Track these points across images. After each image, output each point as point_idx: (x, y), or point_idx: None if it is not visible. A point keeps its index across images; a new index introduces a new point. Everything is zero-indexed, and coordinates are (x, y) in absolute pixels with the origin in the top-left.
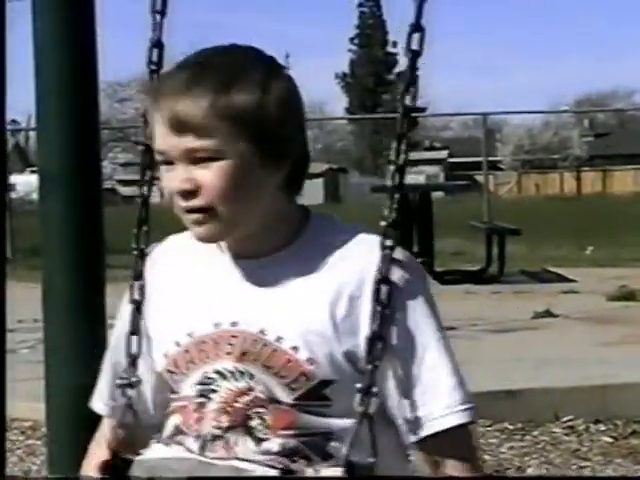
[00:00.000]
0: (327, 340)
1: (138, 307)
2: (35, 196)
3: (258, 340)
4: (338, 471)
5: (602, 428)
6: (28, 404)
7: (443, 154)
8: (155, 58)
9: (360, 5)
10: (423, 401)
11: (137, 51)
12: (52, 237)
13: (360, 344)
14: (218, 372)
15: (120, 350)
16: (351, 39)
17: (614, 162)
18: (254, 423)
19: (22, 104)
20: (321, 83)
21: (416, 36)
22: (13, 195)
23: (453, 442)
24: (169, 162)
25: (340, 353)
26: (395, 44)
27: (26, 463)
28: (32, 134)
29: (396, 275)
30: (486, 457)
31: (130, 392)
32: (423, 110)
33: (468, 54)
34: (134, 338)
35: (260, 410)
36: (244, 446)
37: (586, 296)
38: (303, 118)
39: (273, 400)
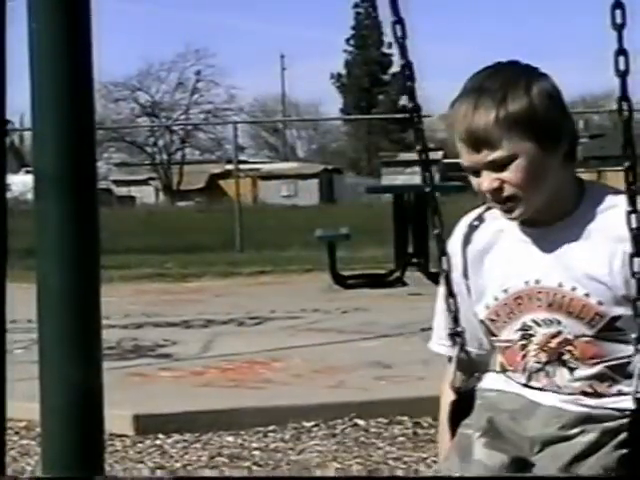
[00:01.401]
0: (609, 286)
1: (447, 275)
2: (30, 196)
3: (558, 292)
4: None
5: None
6: (22, 404)
7: (438, 155)
8: (399, 33)
9: (356, 6)
10: None
11: (132, 51)
12: (47, 237)
13: (632, 289)
14: (534, 320)
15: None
16: (347, 40)
17: (609, 163)
18: (566, 357)
19: (15, 104)
20: (316, 84)
21: (618, 12)
22: (8, 195)
23: None
24: (475, 171)
25: (620, 295)
26: (390, 45)
27: (20, 463)
28: (27, 134)
29: None
30: None
31: (458, 339)
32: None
33: (463, 54)
34: (451, 300)
35: (569, 347)
36: (561, 376)
37: None
38: (565, 104)
39: (579, 336)
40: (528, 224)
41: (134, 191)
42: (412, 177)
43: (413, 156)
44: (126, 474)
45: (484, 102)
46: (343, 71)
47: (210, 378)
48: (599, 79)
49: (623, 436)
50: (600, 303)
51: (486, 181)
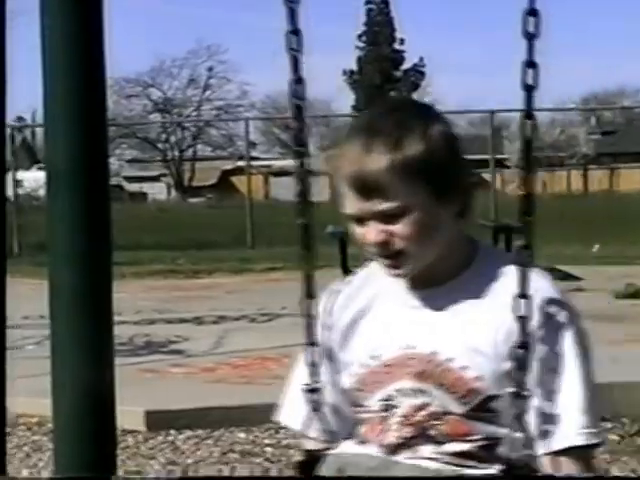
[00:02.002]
0: (490, 360)
1: (311, 322)
2: (42, 192)
3: (431, 360)
4: (498, 470)
5: (608, 426)
6: (34, 400)
7: None
8: (295, 45)
9: (368, 2)
10: (559, 419)
11: (144, 47)
12: (58, 233)
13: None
14: (399, 390)
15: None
16: (358, 36)
17: (621, 160)
18: (433, 432)
19: (27, 100)
20: (328, 80)
21: (531, 20)
22: (20, 191)
23: (579, 460)
24: (360, 219)
25: (500, 371)
26: (402, 41)
27: (32, 459)
28: (39, 130)
29: (547, 308)
30: None
31: (314, 396)
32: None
33: (474, 51)
34: (312, 349)
35: (437, 422)
36: (427, 450)
37: (593, 294)
38: (462, 153)
39: (448, 412)
40: (410, 286)
41: (146, 187)
42: None
43: None
44: (139, 470)
45: (377, 145)
46: (355, 67)
47: (221, 374)
48: (611, 76)
49: None
50: (478, 379)
51: (373, 232)
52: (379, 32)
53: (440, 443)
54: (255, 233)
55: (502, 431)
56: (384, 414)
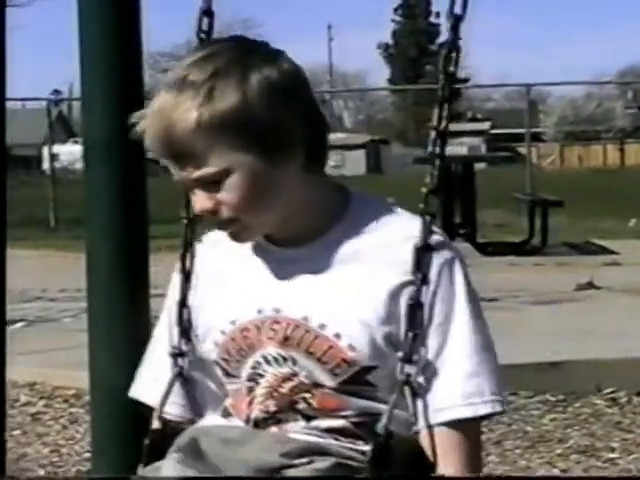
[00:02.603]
0: (368, 327)
1: (187, 277)
2: (78, 166)
3: (301, 326)
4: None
5: None
6: (71, 372)
7: (485, 125)
8: (205, 27)
9: None
10: (440, 389)
11: (180, 21)
12: (96, 206)
13: (400, 328)
14: (264, 357)
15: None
16: (394, 9)
17: None
18: (301, 407)
19: (64, 74)
20: (364, 54)
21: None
22: (57, 165)
23: (460, 434)
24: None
25: (381, 338)
26: (438, 15)
27: (69, 431)
28: (75, 104)
29: (433, 266)
30: (528, 429)
31: (181, 361)
32: (466, 81)
33: (511, 25)
34: (185, 309)
35: (305, 395)
36: (294, 424)
37: (629, 268)
38: (301, 100)
39: (317, 385)
40: (272, 241)
41: None
42: (459, 148)
43: (460, 126)
44: None
45: (183, 101)
46: (390, 41)
47: None
48: None
49: (360, 475)
50: (351, 348)
51: (198, 201)
52: (415, 5)
53: (310, 418)
54: None
55: (379, 406)
56: (249, 384)
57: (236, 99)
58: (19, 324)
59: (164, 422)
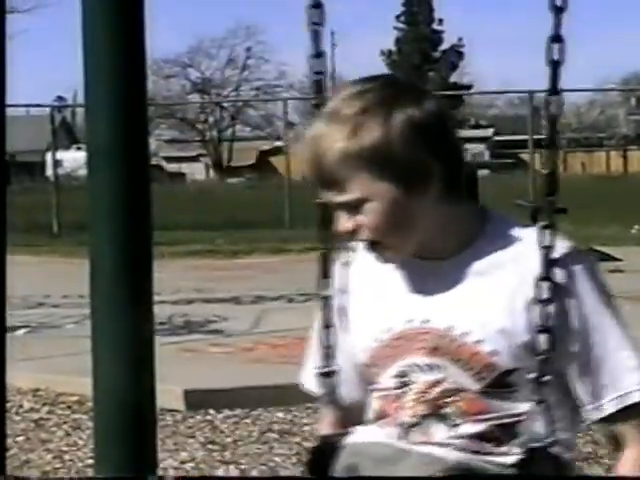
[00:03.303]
0: (507, 333)
1: (327, 301)
2: (81, 172)
3: (446, 335)
4: (517, 456)
5: None
6: (74, 378)
7: (489, 132)
8: (317, 19)
9: None
10: (611, 380)
11: (183, 28)
12: (99, 212)
13: (538, 334)
14: (413, 365)
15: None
16: (397, 16)
17: None
18: (447, 410)
19: (68, 80)
20: (366, 60)
21: (556, 46)
22: (60, 171)
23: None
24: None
25: (519, 344)
26: (441, 21)
27: (72, 437)
28: (79, 110)
29: (565, 271)
30: None
31: (328, 379)
32: (469, 88)
33: (515, 31)
34: (327, 331)
35: (452, 399)
36: (439, 432)
37: (632, 275)
38: (440, 139)
39: (463, 389)
40: (419, 260)
41: (184, 167)
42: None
43: (463, 133)
44: (178, 448)
45: (333, 133)
46: (393, 48)
47: (260, 354)
48: None
49: None
50: (493, 353)
51: (341, 221)
52: (418, 12)
53: (454, 424)
54: (293, 213)
55: (521, 407)
56: (399, 391)
57: (379, 136)
58: (22, 330)
59: (324, 440)
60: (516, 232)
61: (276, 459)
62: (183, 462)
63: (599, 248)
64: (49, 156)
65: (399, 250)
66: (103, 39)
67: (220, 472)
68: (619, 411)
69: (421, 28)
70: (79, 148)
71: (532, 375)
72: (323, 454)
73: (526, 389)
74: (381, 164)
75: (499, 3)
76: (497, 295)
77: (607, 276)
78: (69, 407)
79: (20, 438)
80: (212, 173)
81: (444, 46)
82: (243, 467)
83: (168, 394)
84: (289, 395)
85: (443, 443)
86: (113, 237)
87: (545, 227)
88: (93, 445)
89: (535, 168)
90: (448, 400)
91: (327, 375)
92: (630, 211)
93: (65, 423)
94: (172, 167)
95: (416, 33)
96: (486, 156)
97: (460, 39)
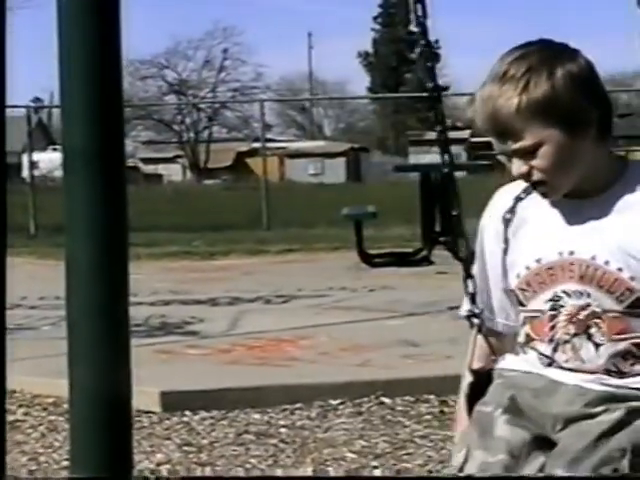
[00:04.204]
0: None
1: (472, 255)
2: (57, 173)
3: (591, 265)
4: None
5: None
6: (50, 380)
7: (466, 134)
8: (420, 12)
9: None
10: None
11: (159, 29)
12: (75, 213)
13: None
14: (564, 292)
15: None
16: (374, 18)
17: (637, 143)
18: (593, 330)
19: (45, 82)
20: (343, 62)
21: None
22: (36, 173)
23: None
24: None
25: None
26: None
27: (48, 439)
28: (55, 111)
29: None
30: None
31: (476, 320)
32: (446, 89)
33: (492, 32)
34: (470, 281)
35: (597, 320)
36: (587, 350)
37: None
38: (596, 84)
39: (607, 311)
40: (565, 196)
41: (161, 169)
42: (440, 156)
43: (440, 135)
44: (154, 450)
45: (505, 91)
46: (370, 49)
47: (237, 356)
48: (628, 58)
49: None
50: (632, 278)
51: (515, 167)
52: (395, 14)
53: (599, 344)
54: (271, 215)
55: None
56: (553, 312)
57: (547, 89)
58: None
59: (475, 372)
60: None
61: (252, 461)
62: (159, 464)
63: None
64: (25, 157)
65: (560, 188)
66: (79, 40)
67: (197, 474)
68: None
69: (398, 30)
70: (55, 149)
71: None
72: (479, 385)
73: None
74: (551, 113)
75: (476, 5)
76: (633, 230)
77: None
78: (45, 409)
79: None
80: (189, 174)
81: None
82: (219, 469)
83: (144, 395)
84: (266, 397)
85: (587, 363)
86: (89, 239)
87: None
88: (69, 447)
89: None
90: (594, 321)
91: (474, 316)
92: None
93: (41, 425)
94: (149, 168)
95: (393, 35)
96: (463, 158)
97: (437, 41)
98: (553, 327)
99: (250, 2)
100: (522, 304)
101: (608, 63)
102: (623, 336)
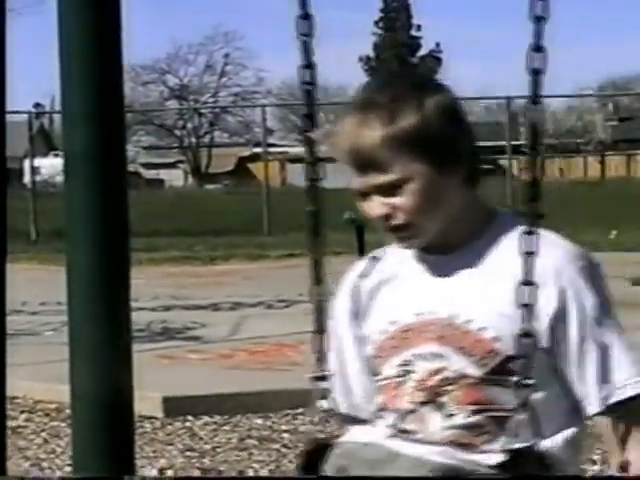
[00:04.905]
0: (510, 319)
1: (321, 309)
2: (59, 179)
3: (451, 324)
4: (501, 457)
5: None
6: (52, 386)
7: None
8: (308, 78)
9: None
10: (608, 374)
11: (161, 34)
12: (76, 218)
13: (540, 325)
14: (417, 355)
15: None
16: (375, 22)
17: (638, 146)
18: (444, 399)
19: (46, 87)
20: (345, 66)
21: (537, 56)
22: (37, 178)
23: (638, 409)
24: (364, 194)
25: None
26: (419, 27)
27: (50, 445)
28: (56, 117)
29: (568, 269)
30: None
31: (323, 384)
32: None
33: (493, 37)
34: (319, 337)
35: (450, 388)
36: (434, 421)
37: (610, 280)
38: (464, 121)
39: (464, 377)
40: (426, 251)
41: (163, 174)
42: None
43: None
44: (157, 455)
45: (370, 120)
46: (372, 54)
47: (239, 361)
48: (629, 62)
49: None
50: (496, 339)
51: (375, 206)
52: (396, 18)
53: (450, 414)
54: (272, 220)
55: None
56: (400, 378)
57: (415, 121)
58: None
59: (316, 442)
60: (522, 232)
61: (255, 466)
62: (162, 469)
63: None
64: (27, 163)
65: (424, 233)
66: (80, 45)
67: None
68: (614, 406)
69: (399, 34)
70: (57, 155)
71: (513, 378)
72: (315, 456)
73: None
74: (420, 145)
75: (477, 10)
76: (500, 286)
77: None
78: (47, 414)
79: None
80: (190, 179)
81: (422, 52)
82: (222, 474)
83: (146, 401)
84: (268, 401)
85: (434, 435)
86: (90, 244)
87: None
88: (71, 452)
89: (513, 174)
90: (447, 388)
91: (322, 379)
92: (608, 217)
93: (43, 431)
94: (150, 174)
95: (394, 39)
96: None
97: (438, 45)
98: (400, 395)
99: (250, 7)
100: (376, 372)
101: (608, 67)
102: (478, 407)
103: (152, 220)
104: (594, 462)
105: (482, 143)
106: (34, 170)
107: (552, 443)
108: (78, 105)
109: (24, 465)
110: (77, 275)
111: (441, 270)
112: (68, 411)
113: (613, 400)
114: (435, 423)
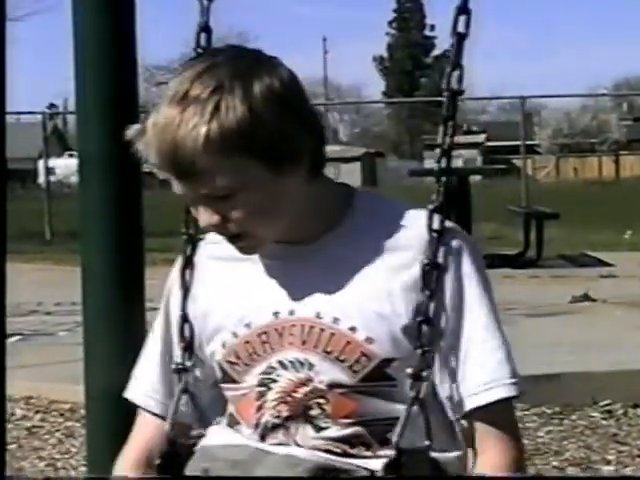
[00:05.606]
0: (384, 317)
1: (187, 292)
2: (73, 179)
3: (315, 325)
4: (390, 456)
5: None
6: (67, 386)
7: (481, 138)
8: (203, 42)
9: None
10: (468, 376)
11: (175, 34)
12: (91, 219)
13: (415, 319)
14: (280, 362)
15: (170, 340)
16: (389, 22)
17: None
18: (314, 412)
19: (59, 87)
20: (358, 67)
21: (462, 18)
22: (52, 179)
23: (496, 416)
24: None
25: (399, 329)
26: (433, 27)
27: (65, 445)
28: (70, 117)
29: (446, 255)
30: (524, 441)
31: (185, 377)
32: (461, 93)
33: (506, 37)
34: (187, 325)
35: (320, 400)
36: (303, 434)
37: (624, 280)
38: (303, 108)
39: (335, 386)
40: (279, 242)
41: None
42: (455, 160)
43: (456, 139)
44: None
45: (189, 118)
46: (385, 54)
47: None
48: None
49: None
50: (370, 340)
51: (204, 216)
52: (409, 18)
53: (320, 429)
54: None
55: (396, 408)
56: (260, 389)
57: (243, 112)
58: (14, 338)
59: (173, 442)
60: (388, 212)
61: None
62: None
63: (591, 253)
64: (41, 163)
65: (263, 242)
66: (94, 46)
67: None
68: (477, 409)
69: (413, 34)
70: (71, 155)
71: (408, 370)
72: (175, 458)
73: (405, 385)
74: (250, 145)
75: (491, 10)
76: (371, 278)
77: (599, 282)
78: (62, 415)
79: (12, 446)
80: None
81: (436, 52)
82: None
83: None
84: None
85: (305, 445)
86: (105, 244)
87: (434, 210)
88: (86, 452)
89: (527, 174)
90: (317, 401)
91: (185, 371)
92: (622, 216)
93: (58, 431)
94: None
95: (408, 39)
96: (479, 162)
97: (452, 45)
98: (260, 408)
99: (264, 7)
100: (233, 380)
101: (623, 67)
102: (352, 420)
103: (166, 220)
104: (608, 462)
105: (496, 142)
106: (48, 171)
107: (439, 443)
108: (92, 106)
109: (39, 465)
110: (92, 275)
111: (299, 262)
112: (83, 411)
113: (467, 407)
114: (305, 436)
